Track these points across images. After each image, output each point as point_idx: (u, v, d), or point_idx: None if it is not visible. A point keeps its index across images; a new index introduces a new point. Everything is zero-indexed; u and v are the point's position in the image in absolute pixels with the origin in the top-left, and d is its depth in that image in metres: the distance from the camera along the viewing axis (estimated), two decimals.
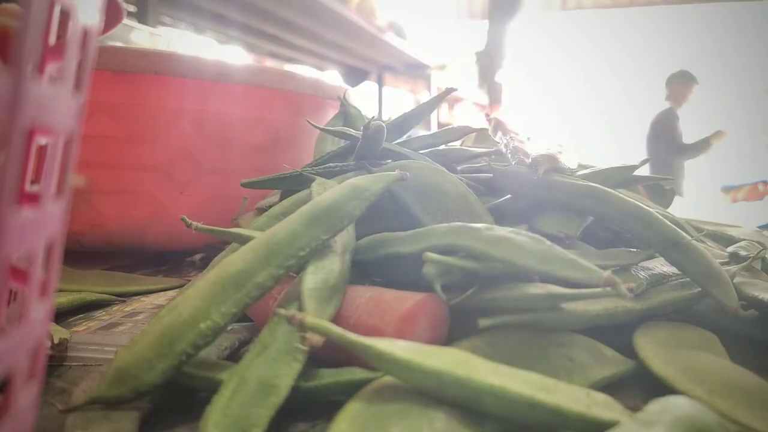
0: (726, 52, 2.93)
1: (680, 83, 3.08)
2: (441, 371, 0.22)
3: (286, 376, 0.25)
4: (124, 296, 0.48)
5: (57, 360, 0.33)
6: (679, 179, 2.99)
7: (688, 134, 3.05)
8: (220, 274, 0.28)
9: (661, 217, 0.40)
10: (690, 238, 0.38)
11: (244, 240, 0.35)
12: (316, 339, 0.25)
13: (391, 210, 0.41)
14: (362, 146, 0.47)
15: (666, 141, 3.01)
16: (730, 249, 0.49)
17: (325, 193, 0.34)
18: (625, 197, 0.42)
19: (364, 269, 0.37)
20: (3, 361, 0.15)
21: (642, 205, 0.41)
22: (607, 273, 0.26)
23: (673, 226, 0.39)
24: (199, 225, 0.36)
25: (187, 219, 0.37)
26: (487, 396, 0.22)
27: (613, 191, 0.42)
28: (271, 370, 0.25)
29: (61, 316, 0.42)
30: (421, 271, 0.31)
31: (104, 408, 0.25)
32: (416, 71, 3.21)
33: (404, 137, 0.56)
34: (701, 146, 2.96)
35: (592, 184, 0.44)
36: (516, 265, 0.29)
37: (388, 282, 0.36)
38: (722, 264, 0.40)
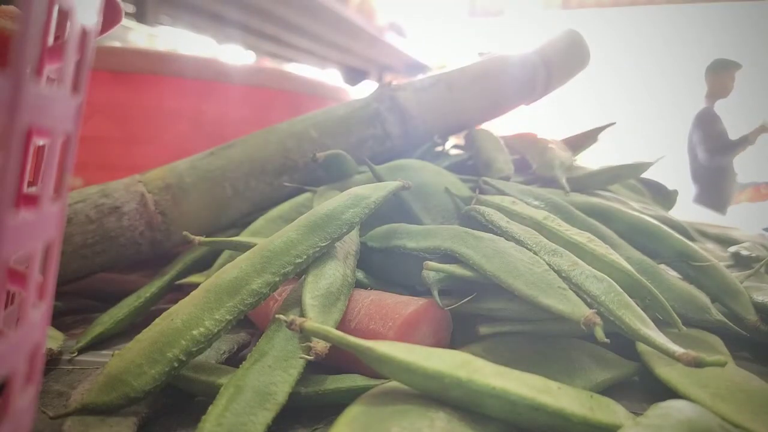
0: (726, 53, 2.92)
1: (721, 73, 2.69)
2: (442, 373, 0.22)
3: (283, 384, 0.25)
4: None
5: (52, 364, 0.33)
6: (731, 187, 2.68)
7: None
8: (215, 282, 0.28)
9: (668, 229, 0.40)
10: (702, 252, 0.38)
11: (245, 247, 0.35)
12: (321, 347, 0.25)
13: (392, 209, 0.40)
14: (325, 172, 0.47)
15: (710, 144, 2.62)
16: (732, 249, 0.49)
17: (325, 201, 0.34)
18: (628, 211, 0.42)
19: (369, 258, 0.37)
20: (1, 364, 0.15)
21: (647, 218, 0.41)
22: (590, 312, 0.25)
23: (682, 238, 0.39)
24: (202, 239, 0.36)
25: (189, 234, 0.37)
26: (489, 398, 0.22)
27: (617, 207, 0.42)
28: (268, 378, 0.25)
29: (59, 317, 0.42)
30: (421, 273, 0.31)
31: (102, 412, 0.25)
32: (416, 71, 3.21)
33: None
34: (744, 141, 2.55)
35: (595, 199, 0.44)
36: (504, 283, 0.29)
37: (390, 284, 0.36)
38: (726, 267, 0.40)
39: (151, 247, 0.44)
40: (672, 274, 0.38)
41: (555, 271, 0.29)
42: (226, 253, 0.42)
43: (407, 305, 0.30)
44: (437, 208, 0.41)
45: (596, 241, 0.34)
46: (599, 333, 0.25)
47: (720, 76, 2.69)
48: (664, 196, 0.62)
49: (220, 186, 0.45)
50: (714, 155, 2.62)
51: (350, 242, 0.35)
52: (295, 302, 0.30)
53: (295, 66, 2.60)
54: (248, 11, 1.88)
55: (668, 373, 0.28)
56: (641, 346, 0.31)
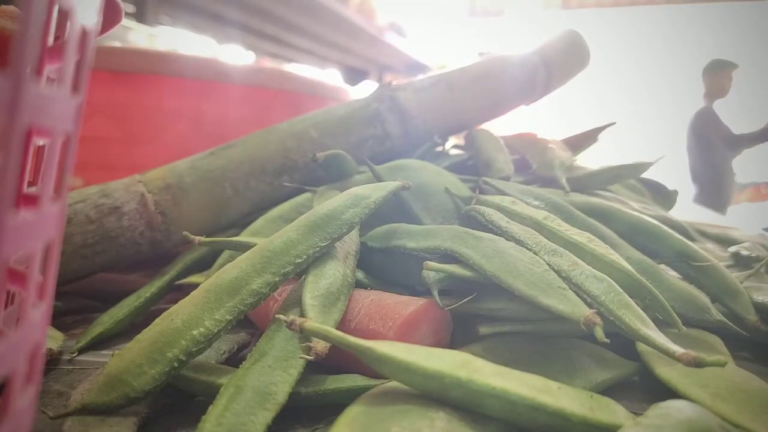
0: (726, 53, 2.92)
1: (718, 73, 2.70)
2: (442, 373, 0.22)
3: (283, 384, 0.25)
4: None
5: (52, 364, 0.33)
6: (730, 187, 2.69)
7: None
8: (215, 282, 0.28)
9: (668, 229, 0.40)
10: (702, 252, 0.38)
11: (245, 247, 0.35)
12: (321, 347, 0.25)
13: (392, 209, 0.40)
14: (324, 172, 0.47)
15: (715, 140, 2.63)
16: (732, 249, 0.49)
17: (325, 201, 0.34)
18: (628, 211, 0.42)
19: (369, 258, 0.37)
20: (1, 364, 0.15)
21: (647, 218, 0.41)
22: (590, 312, 0.25)
23: (683, 238, 0.39)
24: (202, 239, 0.37)
25: (189, 234, 0.37)
26: (489, 398, 0.22)
27: (617, 207, 0.42)
28: (268, 378, 0.25)
29: (59, 317, 0.42)
30: (421, 273, 0.31)
31: (102, 412, 0.25)
32: (416, 71, 3.21)
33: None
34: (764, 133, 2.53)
35: (595, 199, 0.44)
36: (504, 283, 0.29)
37: (390, 284, 0.36)
38: (726, 267, 0.40)
39: (151, 247, 0.44)
40: (672, 274, 0.38)
41: (555, 271, 0.29)
42: (226, 253, 0.42)
43: (407, 305, 0.30)
44: (437, 208, 0.41)
45: (596, 241, 0.34)
46: (599, 333, 0.25)
47: (717, 75, 2.70)
48: (664, 196, 0.62)
49: (220, 186, 0.45)
50: (726, 149, 2.64)
51: (350, 242, 0.35)
52: (295, 302, 0.30)
53: (295, 66, 2.60)
54: (248, 11, 1.88)
55: (668, 373, 0.28)
56: (641, 346, 0.31)
